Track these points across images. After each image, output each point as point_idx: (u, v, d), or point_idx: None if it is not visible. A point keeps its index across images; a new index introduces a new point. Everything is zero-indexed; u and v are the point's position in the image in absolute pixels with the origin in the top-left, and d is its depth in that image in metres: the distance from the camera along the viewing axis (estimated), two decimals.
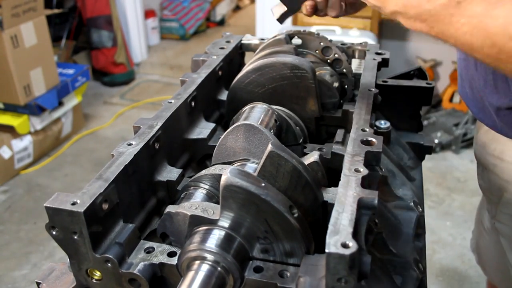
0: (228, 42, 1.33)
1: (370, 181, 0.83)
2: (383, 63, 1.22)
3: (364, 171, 0.77)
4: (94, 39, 4.75)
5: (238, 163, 0.93)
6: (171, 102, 1.01)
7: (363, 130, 0.89)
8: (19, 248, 2.91)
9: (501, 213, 1.28)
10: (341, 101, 1.16)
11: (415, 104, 1.22)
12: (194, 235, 0.75)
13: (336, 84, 1.17)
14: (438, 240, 2.93)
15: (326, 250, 0.60)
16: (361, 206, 0.70)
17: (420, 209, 1.04)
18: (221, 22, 6.59)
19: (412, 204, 1.01)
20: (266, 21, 4.28)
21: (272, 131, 0.98)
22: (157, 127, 0.92)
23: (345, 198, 0.70)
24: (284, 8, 1.06)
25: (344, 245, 0.60)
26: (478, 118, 1.25)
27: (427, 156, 1.25)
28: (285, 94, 1.08)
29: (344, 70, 1.21)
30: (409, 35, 4.46)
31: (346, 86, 1.22)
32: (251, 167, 0.91)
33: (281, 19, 1.08)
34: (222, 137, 0.95)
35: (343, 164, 0.79)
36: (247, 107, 1.03)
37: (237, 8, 7.21)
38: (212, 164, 0.96)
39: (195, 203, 0.80)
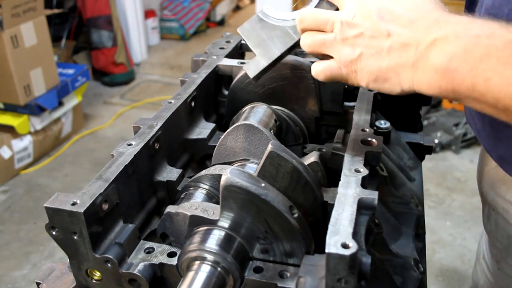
0: (228, 42, 1.33)
1: (370, 181, 0.83)
2: None
3: (364, 171, 0.77)
4: (94, 39, 4.75)
5: (238, 163, 0.93)
6: (171, 102, 1.01)
7: (363, 130, 0.89)
8: (19, 248, 2.91)
9: (507, 264, 1.11)
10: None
11: (415, 104, 1.22)
12: (194, 235, 0.75)
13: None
14: (438, 240, 2.93)
15: (326, 251, 0.60)
16: (361, 206, 0.70)
17: (420, 209, 1.04)
18: (221, 22, 6.59)
19: (412, 204, 1.01)
20: None
21: (272, 131, 0.98)
22: (157, 127, 0.92)
23: (345, 198, 0.70)
24: (260, 65, 0.87)
25: (344, 246, 0.60)
26: (492, 155, 1.03)
27: (427, 156, 1.25)
28: (285, 94, 1.08)
29: None
30: None
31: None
32: (251, 167, 0.91)
33: (258, 77, 0.89)
34: (222, 137, 0.95)
35: (343, 164, 0.79)
36: (247, 107, 1.03)
37: (237, 8, 7.21)
38: (212, 164, 0.96)
39: (195, 203, 0.80)
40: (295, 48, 0.87)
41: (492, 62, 0.61)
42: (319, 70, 0.80)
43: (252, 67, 0.89)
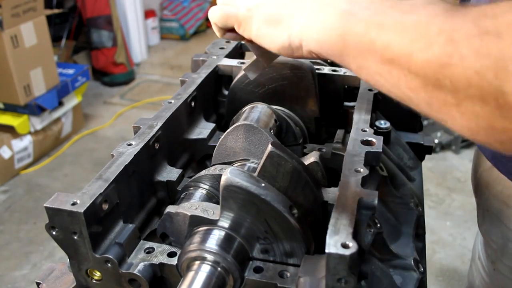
0: (228, 42, 1.33)
1: (370, 181, 0.83)
2: None
3: (364, 171, 0.77)
4: (94, 39, 4.75)
5: (238, 163, 0.93)
6: (171, 102, 1.01)
7: (363, 130, 0.89)
8: (19, 248, 2.91)
9: (503, 264, 1.12)
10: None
11: None
12: (194, 235, 0.75)
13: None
14: (438, 240, 2.93)
15: (326, 251, 0.60)
16: (361, 206, 0.70)
17: (420, 209, 1.04)
18: None
19: (412, 204, 1.01)
20: None
21: (272, 131, 0.98)
22: (157, 127, 0.92)
23: (345, 198, 0.70)
24: (259, 66, 0.88)
25: (344, 246, 0.60)
26: (486, 154, 1.05)
27: (427, 156, 1.25)
28: (285, 94, 1.08)
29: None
30: None
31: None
32: (251, 167, 0.91)
33: (256, 75, 0.92)
34: (222, 137, 0.95)
35: (343, 164, 0.79)
36: (247, 107, 1.03)
37: None
38: (212, 164, 0.96)
39: (195, 203, 0.80)
40: None
41: (390, 12, 0.57)
42: (216, 9, 0.78)
43: (252, 68, 0.88)
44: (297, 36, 0.66)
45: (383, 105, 1.11)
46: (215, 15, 0.78)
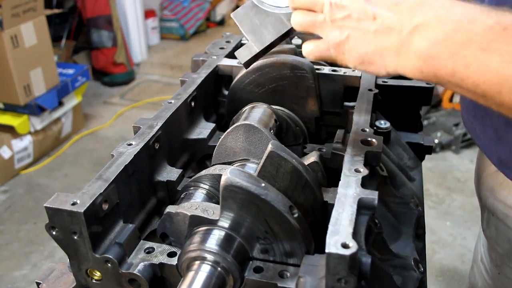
0: (228, 42, 1.33)
1: (370, 181, 0.83)
2: None
3: (364, 171, 0.77)
4: (94, 39, 4.75)
5: (238, 163, 0.93)
6: (171, 102, 1.01)
7: (363, 130, 0.89)
8: (19, 248, 2.91)
9: (508, 268, 1.11)
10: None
11: (415, 104, 1.22)
12: (194, 235, 0.75)
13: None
14: (438, 240, 2.93)
15: (326, 251, 0.60)
16: (361, 206, 0.70)
17: (420, 209, 1.04)
18: (221, 22, 6.59)
19: (412, 204, 1.01)
20: None
21: (272, 131, 0.98)
22: (157, 127, 0.92)
23: (345, 198, 0.70)
24: (252, 51, 0.87)
25: (344, 245, 0.60)
26: (492, 159, 1.03)
27: (427, 156, 1.25)
28: (285, 94, 1.08)
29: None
30: None
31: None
32: (251, 167, 0.91)
33: (249, 63, 0.90)
34: (222, 137, 0.95)
35: (343, 164, 0.79)
36: (247, 107, 1.03)
37: (237, 8, 7.21)
38: (212, 164, 0.96)
39: (195, 203, 0.80)
40: (288, 35, 0.88)
41: (472, 49, 0.63)
42: (309, 50, 0.82)
43: (244, 53, 0.89)
44: (394, 71, 0.74)
45: (383, 105, 1.11)
46: (309, 50, 0.83)
